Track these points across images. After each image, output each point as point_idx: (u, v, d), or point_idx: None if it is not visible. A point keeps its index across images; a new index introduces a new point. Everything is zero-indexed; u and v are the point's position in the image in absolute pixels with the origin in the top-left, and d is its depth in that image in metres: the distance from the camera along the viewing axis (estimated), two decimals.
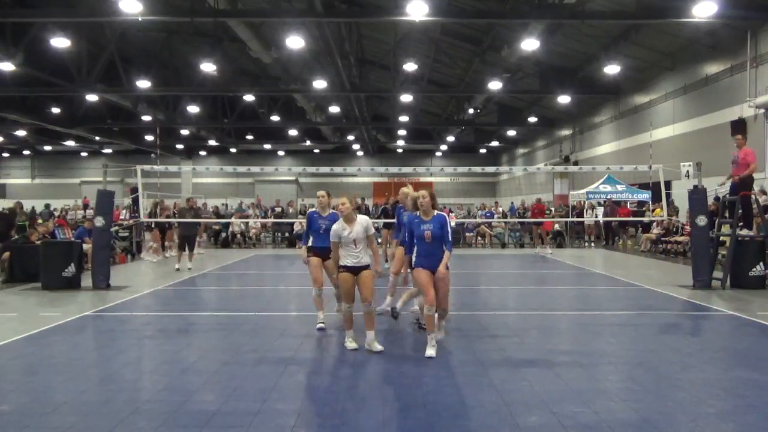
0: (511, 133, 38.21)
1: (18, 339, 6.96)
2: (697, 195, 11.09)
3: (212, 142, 39.35)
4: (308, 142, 41.46)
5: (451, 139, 39.33)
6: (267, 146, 43.07)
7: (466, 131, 38.88)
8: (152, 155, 28.03)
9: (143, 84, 23.61)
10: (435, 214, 6.22)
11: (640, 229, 20.56)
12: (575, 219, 23.04)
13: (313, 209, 7.61)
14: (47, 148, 44.98)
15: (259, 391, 5.06)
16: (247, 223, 22.85)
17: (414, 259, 6.28)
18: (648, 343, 6.80)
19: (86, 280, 11.17)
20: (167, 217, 16.94)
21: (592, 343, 6.96)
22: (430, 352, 6.05)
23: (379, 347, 6.23)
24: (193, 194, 34.40)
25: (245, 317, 8.48)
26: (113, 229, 14.45)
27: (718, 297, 9.92)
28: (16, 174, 49.30)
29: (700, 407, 4.67)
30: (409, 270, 8.20)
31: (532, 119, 32.19)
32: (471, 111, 31.58)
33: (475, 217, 25.70)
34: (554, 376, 5.47)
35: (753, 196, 11.28)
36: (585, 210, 23.56)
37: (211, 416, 4.47)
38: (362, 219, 6.39)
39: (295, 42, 18.51)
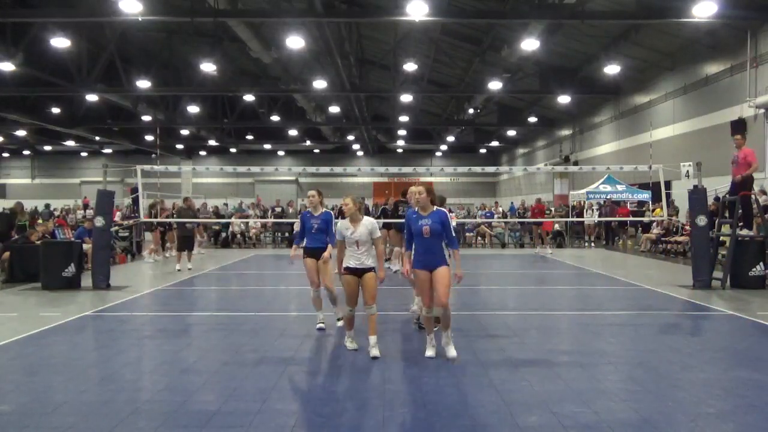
0: (511, 133, 38.21)
1: (18, 339, 6.96)
2: (697, 195, 11.09)
3: (212, 142, 39.36)
4: (308, 142, 41.47)
5: (451, 139, 39.34)
6: (267, 146, 43.08)
7: (466, 131, 38.88)
8: (153, 156, 28.03)
9: (143, 84, 23.61)
10: (434, 209, 6.03)
11: (640, 229, 20.56)
12: (575, 219, 23.04)
13: (307, 209, 7.59)
14: (47, 148, 44.99)
15: (259, 391, 5.06)
16: (247, 223, 22.85)
17: (413, 256, 6.10)
18: (648, 343, 6.80)
19: (86, 280, 11.17)
20: (167, 217, 16.94)
21: (592, 343, 6.96)
22: (430, 352, 6.03)
23: (375, 353, 6.06)
24: (193, 194, 34.47)
25: (245, 317, 8.48)
26: (113, 229, 14.45)
27: (718, 297, 9.92)
28: (16, 174, 49.31)
29: (700, 407, 4.67)
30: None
31: (532, 119, 32.19)
32: (471, 111, 31.59)
33: (475, 217, 25.71)
34: (554, 376, 5.47)
35: (753, 196, 11.27)
36: (585, 210, 23.56)
37: (211, 416, 4.47)
38: (368, 221, 6.26)
39: (295, 42, 18.51)
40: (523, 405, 4.72)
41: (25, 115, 28.60)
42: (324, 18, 16.58)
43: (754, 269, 10.68)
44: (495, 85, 23.59)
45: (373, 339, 6.17)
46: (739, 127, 16.22)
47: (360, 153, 46.92)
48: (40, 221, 16.90)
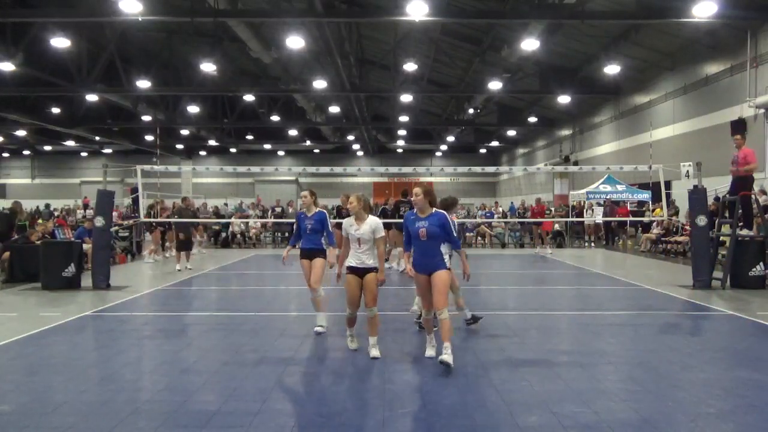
0: (511, 133, 38.23)
1: (18, 339, 6.96)
2: (697, 195, 11.08)
3: (212, 142, 39.37)
4: (308, 142, 41.48)
5: (451, 139, 39.34)
6: (267, 146, 43.09)
7: (466, 131, 38.89)
8: (154, 159, 28.02)
9: (143, 84, 23.62)
10: (433, 211, 5.84)
11: (640, 229, 20.56)
12: (575, 219, 23.04)
13: (301, 210, 7.57)
14: (47, 148, 45.00)
15: (259, 391, 5.06)
16: (247, 223, 22.86)
17: (411, 259, 5.95)
18: (648, 343, 6.80)
19: (86, 280, 11.17)
20: (168, 217, 16.94)
21: (592, 343, 6.96)
22: (430, 352, 6.01)
23: (375, 353, 6.05)
24: (193, 194, 34.48)
25: (245, 317, 8.47)
26: (113, 229, 14.45)
27: (718, 297, 9.92)
28: (16, 174, 49.32)
29: (700, 407, 4.67)
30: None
31: (532, 119, 32.20)
32: (471, 111, 31.59)
33: (475, 217, 25.71)
34: (554, 376, 5.47)
35: (753, 196, 11.28)
36: (585, 210, 23.57)
37: (211, 416, 4.47)
38: (372, 220, 6.16)
39: (295, 42, 18.52)
40: (523, 405, 4.72)
41: (25, 115, 28.61)
42: (324, 18, 16.59)
43: (754, 269, 10.68)
44: (495, 85, 23.60)
45: (373, 339, 6.15)
46: (739, 127, 16.23)
47: (360, 153, 46.92)
48: (40, 221, 16.90)
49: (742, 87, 16.49)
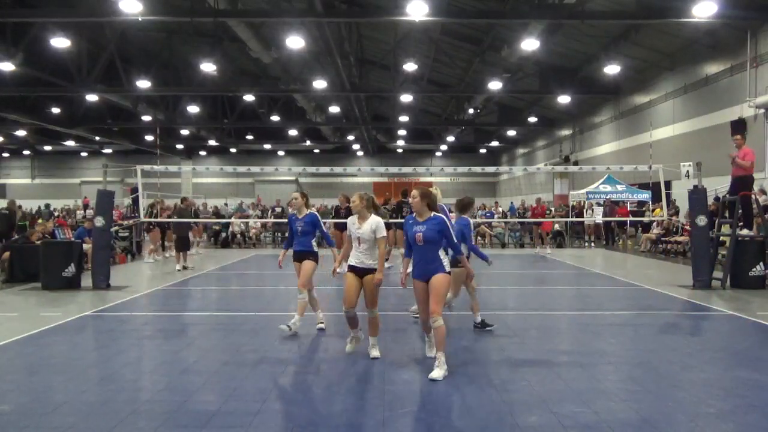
0: (511, 133, 38.23)
1: (18, 339, 6.95)
2: (697, 195, 11.08)
3: (212, 142, 39.39)
4: (308, 142, 41.50)
5: (451, 139, 39.35)
6: (267, 146, 43.10)
7: (466, 131, 38.89)
8: (157, 162, 27.98)
9: (143, 84, 23.63)
10: (431, 215, 5.56)
11: (640, 229, 20.56)
12: (575, 219, 23.04)
13: (293, 212, 7.52)
14: (47, 148, 45.01)
15: (259, 391, 5.06)
16: (247, 223, 22.86)
17: (411, 267, 5.72)
18: (648, 343, 6.80)
19: (86, 280, 11.16)
20: (168, 217, 16.95)
21: (592, 343, 6.96)
22: (431, 353, 5.94)
23: (375, 354, 6.03)
24: (193, 194, 34.49)
25: (245, 317, 8.47)
26: (113, 229, 14.45)
27: (718, 297, 9.92)
28: (16, 174, 49.32)
29: (700, 407, 4.67)
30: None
31: (532, 119, 32.21)
32: (471, 111, 31.60)
33: (475, 217, 25.70)
34: (554, 376, 5.47)
35: (753, 196, 11.27)
36: (585, 210, 23.57)
37: (211, 416, 4.46)
38: (373, 219, 5.99)
39: (295, 42, 18.52)
40: (523, 405, 4.72)
41: (25, 115, 28.62)
42: (324, 18, 16.59)
43: (754, 269, 10.68)
44: (495, 85, 23.60)
45: (373, 339, 6.13)
46: (739, 127, 16.23)
47: (360, 153, 46.93)
48: (39, 221, 16.90)
49: (742, 87, 16.49)
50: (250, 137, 41.02)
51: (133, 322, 8.15)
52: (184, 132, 36.82)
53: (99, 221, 11.09)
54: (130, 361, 6.12)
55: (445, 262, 5.58)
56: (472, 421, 4.39)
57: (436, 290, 5.47)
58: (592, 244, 22.10)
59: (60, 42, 18.48)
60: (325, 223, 22.72)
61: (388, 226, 13.00)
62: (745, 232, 11.13)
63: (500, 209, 28.45)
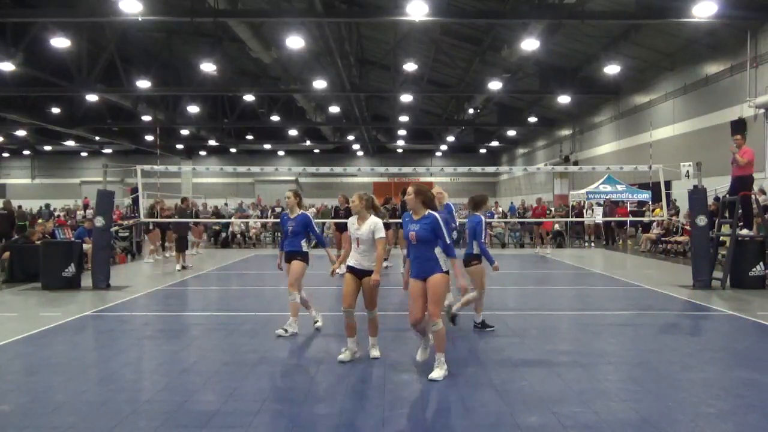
0: (511, 133, 38.24)
1: (18, 339, 6.95)
2: (697, 195, 11.08)
3: (212, 142, 39.41)
4: (308, 142, 41.51)
5: (451, 139, 39.36)
6: (267, 146, 43.13)
7: (466, 131, 38.91)
8: (157, 162, 27.97)
9: (143, 84, 23.64)
10: (426, 213, 5.39)
11: (640, 229, 20.57)
12: (575, 219, 23.04)
13: (284, 211, 7.48)
14: (47, 148, 45.03)
15: (259, 391, 5.06)
16: (247, 223, 22.86)
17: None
18: (648, 343, 6.80)
19: (86, 280, 11.16)
20: (167, 217, 16.95)
21: (592, 343, 6.96)
22: (422, 356, 5.72)
23: (375, 354, 6.01)
24: (193, 194, 34.49)
25: (245, 317, 8.47)
26: (113, 229, 14.45)
27: (718, 297, 9.91)
28: (16, 174, 49.33)
29: (700, 407, 4.67)
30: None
31: (532, 119, 32.22)
32: (471, 111, 31.60)
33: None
34: (554, 376, 5.46)
35: (753, 196, 11.27)
36: (585, 210, 23.58)
37: (211, 416, 4.46)
38: (372, 220, 5.88)
39: (295, 42, 18.52)
40: (523, 405, 4.72)
41: (25, 115, 28.63)
42: (324, 18, 16.60)
43: (754, 269, 10.68)
44: (495, 85, 23.60)
45: (373, 339, 6.11)
46: (739, 127, 16.23)
47: (360, 153, 46.94)
48: (39, 221, 16.90)
49: (742, 87, 16.49)
50: (250, 137, 41.04)
51: (133, 322, 8.15)
52: (184, 132, 36.83)
53: (99, 221, 11.09)
54: (130, 361, 6.12)
55: (442, 261, 5.41)
56: (472, 421, 4.39)
57: (434, 293, 5.35)
58: (592, 244, 22.09)
59: (60, 42, 18.49)
60: (324, 223, 22.72)
61: (387, 225, 13.08)
62: (745, 232, 11.13)
63: (500, 209, 28.44)
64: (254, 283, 12.90)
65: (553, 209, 24.39)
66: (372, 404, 4.76)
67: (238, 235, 22.25)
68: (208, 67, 21.77)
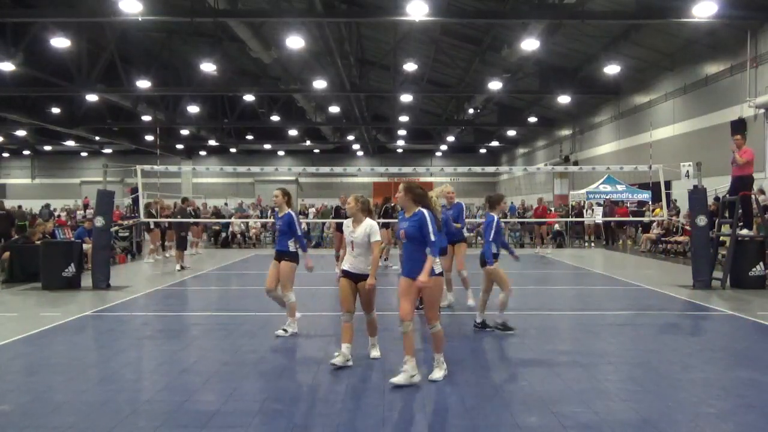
0: (511, 133, 38.24)
1: (18, 339, 6.95)
2: (697, 195, 11.08)
3: (212, 142, 39.40)
4: (308, 142, 41.50)
5: (451, 139, 39.36)
6: (267, 146, 43.12)
7: (466, 131, 38.90)
8: (157, 162, 27.96)
9: (143, 84, 23.63)
10: (416, 210, 5.25)
11: (640, 229, 20.57)
12: (575, 219, 23.05)
13: (275, 210, 7.42)
14: (47, 148, 45.02)
15: (259, 391, 5.07)
16: (247, 223, 22.86)
17: None
18: (648, 343, 6.80)
19: (86, 280, 11.16)
20: (166, 216, 16.95)
21: (592, 343, 6.96)
22: (398, 379, 5.13)
23: (375, 354, 6.01)
24: (193, 194, 34.47)
25: (245, 317, 8.47)
26: (113, 229, 14.45)
27: (718, 297, 9.91)
28: (16, 174, 49.32)
29: (700, 407, 4.67)
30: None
31: (532, 119, 32.22)
32: (471, 111, 31.60)
33: (475, 217, 25.70)
34: (554, 376, 5.46)
35: (753, 196, 11.27)
36: (585, 210, 23.58)
37: (211, 416, 4.46)
38: (367, 223, 5.75)
39: (295, 42, 18.52)
40: (523, 405, 4.72)
41: (25, 115, 28.63)
42: (324, 18, 16.60)
43: (754, 269, 10.68)
44: (495, 85, 23.60)
45: (373, 339, 6.11)
46: (739, 127, 16.23)
47: (360, 153, 46.93)
48: (39, 221, 16.89)
49: (742, 87, 16.49)
50: (250, 137, 41.03)
51: (133, 322, 8.15)
52: (184, 132, 36.83)
53: (99, 221, 11.09)
54: (130, 361, 6.12)
55: (436, 260, 5.23)
56: (472, 421, 4.39)
57: (427, 298, 5.26)
58: (592, 244, 22.09)
59: (60, 42, 18.48)
60: (324, 223, 22.64)
61: (386, 225, 13.08)
62: (745, 232, 11.13)
63: None
64: (254, 283, 12.88)
65: (552, 209, 24.41)
66: (372, 404, 4.75)
67: (238, 235, 22.24)
68: (208, 67, 21.77)
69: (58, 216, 27.26)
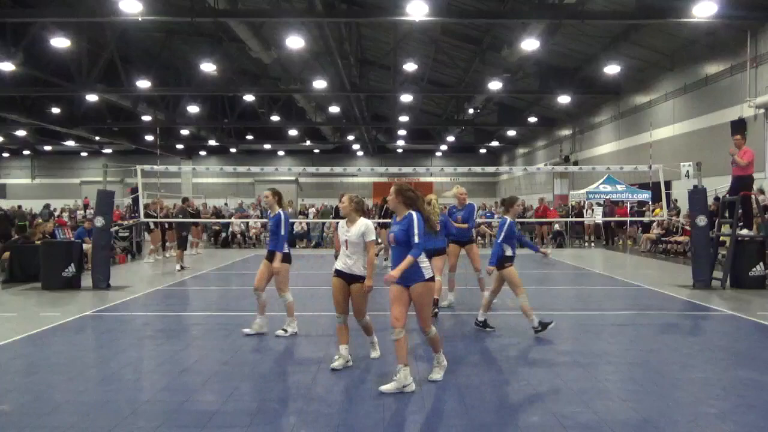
0: (511, 133, 38.23)
1: (18, 339, 6.96)
2: (697, 195, 11.09)
3: (212, 142, 39.40)
4: (308, 142, 41.50)
5: (451, 139, 39.35)
6: (267, 146, 43.12)
7: (466, 131, 38.89)
8: (157, 162, 28.04)
9: (143, 84, 23.63)
10: (406, 213, 5.08)
11: (640, 229, 20.57)
12: (575, 219, 23.05)
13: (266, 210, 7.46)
14: (47, 148, 45.01)
15: (259, 391, 5.07)
16: (247, 223, 22.87)
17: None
18: (648, 343, 6.80)
19: (86, 280, 11.17)
20: (165, 216, 16.97)
21: (592, 343, 6.96)
22: (388, 387, 5.03)
23: (375, 354, 6.00)
24: (193, 194, 34.48)
25: (245, 317, 8.44)
26: (113, 229, 14.45)
27: (718, 297, 9.92)
28: (16, 174, 49.31)
29: (700, 407, 4.67)
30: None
31: (532, 119, 32.21)
32: (471, 111, 31.59)
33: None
34: (554, 376, 5.47)
35: (753, 196, 11.27)
36: (585, 210, 23.58)
37: (211, 416, 4.47)
38: (362, 222, 5.65)
39: (295, 42, 18.52)
40: (523, 405, 4.72)
41: (25, 115, 28.61)
42: (324, 18, 16.59)
43: (754, 269, 10.68)
44: (495, 85, 23.59)
45: (371, 338, 6.09)
46: (739, 127, 16.23)
47: (360, 153, 46.92)
48: (39, 221, 16.89)
49: (742, 87, 16.49)
50: (250, 137, 41.03)
51: (133, 322, 8.15)
52: (184, 132, 36.82)
53: (99, 221, 11.09)
54: (130, 361, 6.12)
55: (425, 267, 5.06)
56: (472, 421, 4.39)
57: (419, 305, 5.08)
58: (592, 244, 22.09)
59: (60, 42, 18.47)
60: (324, 223, 22.62)
61: (386, 225, 13.08)
62: (745, 232, 11.13)
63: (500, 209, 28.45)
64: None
65: (553, 207, 24.40)
66: (371, 404, 4.76)
67: (238, 235, 22.24)
68: (208, 67, 21.77)
69: (59, 216, 27.23)
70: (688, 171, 13.00)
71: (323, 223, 22.24)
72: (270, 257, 7.09)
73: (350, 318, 5.82)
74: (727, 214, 11.48)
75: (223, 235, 22.31)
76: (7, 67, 19.58)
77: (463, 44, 24.07)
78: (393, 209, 5.21)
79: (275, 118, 33.60)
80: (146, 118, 31.38)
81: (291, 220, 22.04)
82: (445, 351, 5.52)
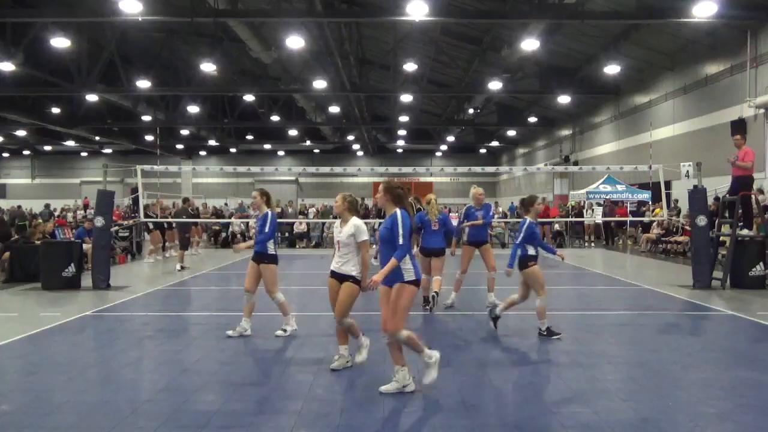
0: (511, 133, 38.24)
1: (18, 339, 6.95)
2: (697, 195, 11.09)
3: (212, 142, 39.39)
4: (308, 142, 41.50)
5: (451, 139, 39.36)
6: (267, 146, 43.12)
7: (466, 131, 38.90)
8: (157, 162, 28.05)
9: (143, 84, 23.63)
10: (392, 212, 4.98)
11: (640, 229, 20.57)
12: (575, 219, 23.04)
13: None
14: (47, 148, 45.02)
15: (259, 391, 5.06)
16: (247, 223, 22.86)
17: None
18: (648, 343, 6.80)
19: (86, 280, 11.16)
20: (165, 216, 16.97)
21: (592, 343, 6.96)
22: (388, 387, 5.01)
23: (359, 358, 5.74)
24: (194, 194, 34.47)
25: None
26: (113, 229, 14.46)
27: (718, 297, 9.92)
28: (16, 174, 49.31)
29: (700, 407, 4.67)
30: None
31: (532, 119, 32.22)
32: (471, 111, 31.59)
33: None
34: (554, 376, 5.47)
35: (753, 196, 11.27)
36: (585, 210, 23.58)
37: (211, 416, 4.47)
38: (353, 222, 5.53)
39: (295, 42, 18.52)
40: (523, 405, 4.72)
41: (25, 115, 28.62)
42: (324, 18, 16.59)
43: (754, 269, 10.68)
44: (495, 85, 23.59)
45: (357, 341, 5.81)
46: (739, 127, 16.23)
47: (360, 153, 46.93)
48: (39, 221, 16.90)
49: (742, 87, 16.49)
50: (250, 137, 41.03)
51: (133, 322, 8.15)
52: (184, 132, 36.82)
53: (99, 221, 11.09)
54: (130, 361, 6.12)
55: (407, 267, 4.91)
56: (473, 421, 4.39)
57: (393, 305, 4.89)
58: (592, 244, 22.09)
59: (60, 42, 18.47)
60: (324, 223, 22.62)
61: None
62: (745, 232, 11.13)
63: (500, 209, 28.43)
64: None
65: (553, 205, 24.40)
66: (371, 404, 4.76)
67: (238, 235, 22.23)
68: (208, 67, 21.76)
69: (59, 216, 27.22)
70: (688, 171, 13.00)
71: (323, 223, 22.24)
72: (257, 260, 7.09)
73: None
74: (727, 214, 11.48)
75: (223, 235, 22.30)
76: (7, 67, 19.58)
77: (463, 44, 24.07)
78: (381, 206, 5.14)
79: (275, 118, 33.60)
80: (146, 118, 31.37)
81: (292, 220, 22.04)
82: (445, 351, 5.52)
